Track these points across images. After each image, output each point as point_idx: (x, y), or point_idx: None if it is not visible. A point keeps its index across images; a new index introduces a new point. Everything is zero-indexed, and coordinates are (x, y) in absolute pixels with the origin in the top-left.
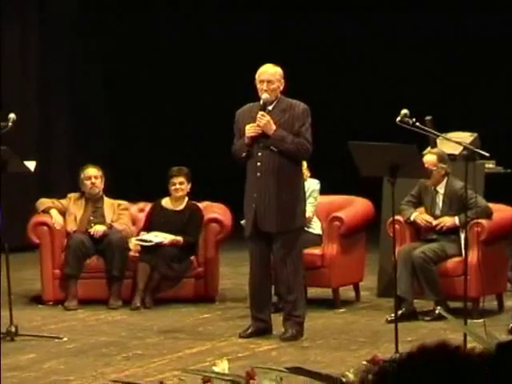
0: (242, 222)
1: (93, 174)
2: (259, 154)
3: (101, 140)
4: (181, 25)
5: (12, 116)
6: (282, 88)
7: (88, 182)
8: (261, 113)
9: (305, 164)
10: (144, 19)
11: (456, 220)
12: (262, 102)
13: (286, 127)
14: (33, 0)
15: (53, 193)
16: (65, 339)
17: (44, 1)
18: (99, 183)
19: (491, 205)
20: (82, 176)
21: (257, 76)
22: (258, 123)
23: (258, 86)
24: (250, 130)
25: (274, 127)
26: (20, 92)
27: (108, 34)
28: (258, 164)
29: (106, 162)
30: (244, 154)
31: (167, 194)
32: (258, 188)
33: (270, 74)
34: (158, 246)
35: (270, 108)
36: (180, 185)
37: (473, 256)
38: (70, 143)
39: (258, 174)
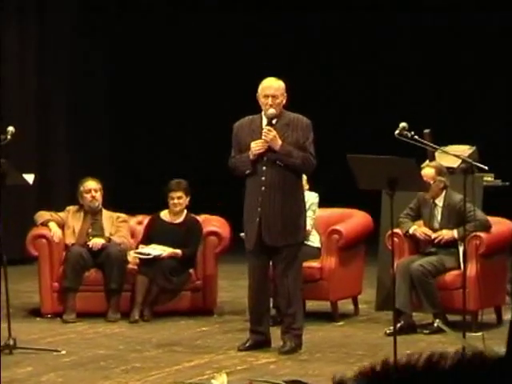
0: (242, 234)
1: (92, 187)
2: (264, 168)
3: (101, 141)
4: (181, 25)
5: (11, 129)
6: (284, 102)
7: (88, 196)
8: (267, 128)
9: (305, 177)
10: (144, 19)
11: (455, 233)
12: (266, 116)
13: (290, 142)
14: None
15: (51, 203)
16: (63, 352)
17: (43, 1)
18: (99, 196)
19: (490, 218)
20: (82, 189)
21: (260, 90)
22: (264, 138)
23: (262, 100)
24: (257, 146)
25: (280, 142)
26: (19, 94)
27: (108, 34)
28: (263, 178)
29: (105, 164)
30: (248, 172)
31: (166, 200)
32: (263, 202)
33: (274, 88)
34: (157, 258)
35: (273, 122)
36: (178, 199)
37: (471, 269)
38: (69, 145)
39: (263, 188)
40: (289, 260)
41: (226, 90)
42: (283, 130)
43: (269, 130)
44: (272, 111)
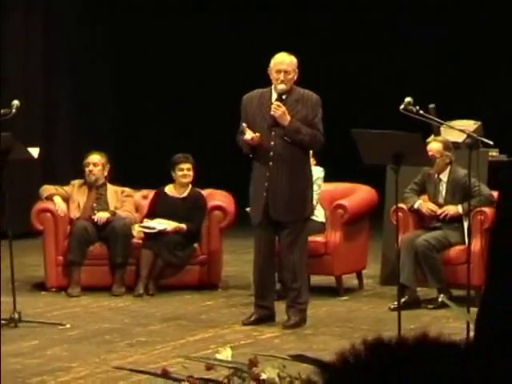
0: (248, 209)
1: (92, 161)
2: (272, 143)
3: (105, 115)
4: (190, 9)
5: (16, 103)
6: (295, 78)
7: (86, 170)
8: (276, 103)
9: (311, 152)
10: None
11: (459, 208)
12: (277, 91)
13: (299, 118)
14: None
15: (56, 179)
16: (68, 326)
17: None
18: (97, 171)
19: (494, 193)
20: (84, 162)
21: (272, 65)
22: (272, 113)
23: (274, 75)
24: (250, 140)
25: (289, 118)
26: (24, 76)
27: (114, 17)
28: (271, 153)
29: (110, 139)
30: (252, 155)
31: (171, 180)
32: (270, 177)
33: (287, 63)
34: (162, 233)
35: (283, 97)
36: (188, 171)
37: (476, 244)
38: (74, 127)
39: (271, 163)
40: (295, 235)
41: (231, 63)
42: (293, 105)
43: (278, 106)
44: (282, 86)
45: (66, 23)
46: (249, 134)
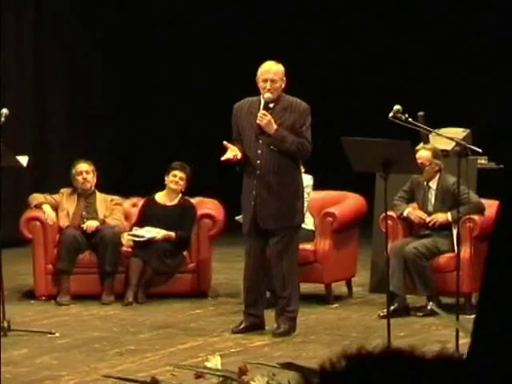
0: (237, 217)
1: (84, 169)
2: (259, 151)
3: (96, 123)
4: (181, 5)
5: (4, 111)
6: (283, 86)
7: (79, 178)
8: (262, 112)
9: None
10: (144, 3)
11: (449, 216)
12: (263, 100)
13: (286, 126)
14: None
15: (47, 186)
16: (57, 334)
17: None
18: (91, 178)
19: (483, 201)
20: (74, 172)
21: (259, 74)
22: (258, 122)
23: (261, 84)
24: (225, 159)
25: (275, 127)
26: (15, 75)
27: (107, 19)
28: (258, 162)
29: (101, 147)
30: (238, 169)
31: (162, 187)
32: (258, 186)
33: (273, 72)
34: (151, 241)
35: (270, 106)
36: (180, 180)
37: (465, 252)
38: (65, 135)
39: (258, 171)
40: (284, 243)
41: (225, 71)
42: (280, 114)
43: (264, 115)
44: (268, 95)
45: (58, 28)
46: (226, 155)
